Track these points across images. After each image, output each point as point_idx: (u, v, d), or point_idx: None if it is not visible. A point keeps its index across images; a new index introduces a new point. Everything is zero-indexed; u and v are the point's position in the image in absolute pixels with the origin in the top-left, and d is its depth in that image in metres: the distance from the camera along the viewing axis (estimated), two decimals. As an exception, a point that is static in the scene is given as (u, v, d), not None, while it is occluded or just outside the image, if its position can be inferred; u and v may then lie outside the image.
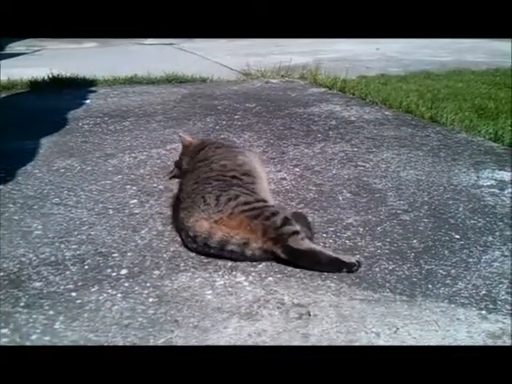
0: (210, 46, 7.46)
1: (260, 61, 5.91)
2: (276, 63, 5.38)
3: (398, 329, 1.44)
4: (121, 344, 1.37)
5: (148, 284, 1.65)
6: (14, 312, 1.51)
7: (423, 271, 1.74)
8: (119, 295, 1.59)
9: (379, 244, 1.93)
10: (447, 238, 1.97)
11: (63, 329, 1.44)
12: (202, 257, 1.81)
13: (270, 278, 1.69)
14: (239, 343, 1.38)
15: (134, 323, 1.46)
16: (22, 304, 1.55)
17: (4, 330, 1.43)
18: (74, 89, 4.50)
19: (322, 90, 4.63)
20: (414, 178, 2.56)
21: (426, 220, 2.12)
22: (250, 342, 1.39)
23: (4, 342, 1.39)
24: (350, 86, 4.56)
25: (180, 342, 1.38)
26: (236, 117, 3.70)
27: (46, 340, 1.39)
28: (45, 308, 1.53)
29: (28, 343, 1.38)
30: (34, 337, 1.41)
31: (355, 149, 3.01)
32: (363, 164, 2.76)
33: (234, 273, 1.73)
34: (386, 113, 3.85)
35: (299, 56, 6.48)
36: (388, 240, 1.96)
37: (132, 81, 4.87)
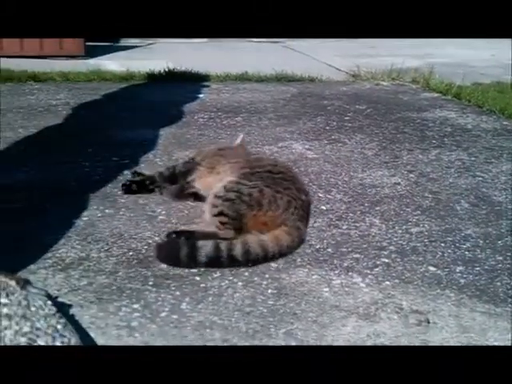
0: (318, 46, 7.46)
1: (369, 62, 5.83)
2: (385, 65, 5.30)
3: (522, 345, 1.40)
4: (243, 330, 1.43)
5: (267, 276, 1.71)
6: (143, 290, 1.62)
7: (549, 290, 1.67)
8: (240, 283, 1.66)
9: (500, 258, 1.87)
10: None
11: (189, 310, 1.52)
12: (319, 254, 1.85)
13: (388, 282, 1.69)
14: (358, 343, 1.40)
15: (255, 311, 1.52)
16: (150, 283, 1.65)
17: (135, 306, 1.54)
18: (188, 82, 4.67)
19: (435, 95, 4.51)
20: (537, 193, 2.44)
21: (551, 237, 2.02)
22: (368, 343, 1.40)
23: (136, 316, 1.49)
24: (465, 92, 4.40)
25: (300, 335, 1.43)
26: (346, 118, 3.69)
27: (174, 318, 1.48)
28: (171, 288, 1.62)
29: (158, 320, 1.47)
30: (163, 314, 1.50)
31: (473, 158, 2.91)
32: (482, 175, 2.67)
33: (350, 273, 1.75)
34: (505, 123, 3.69)
35: (410, 59, 6.32)
36: (509, 254, 1.89)
37: (243, 78, 4.97)
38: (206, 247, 1.72)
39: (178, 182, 2.27)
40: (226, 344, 1.39)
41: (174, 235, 1.85)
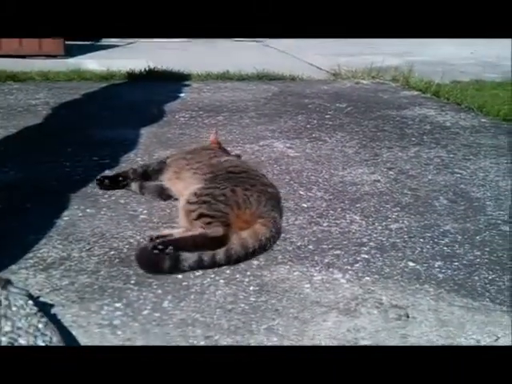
0: (299, 45, 7.48)
1: (350, 61, 5.87)
2: (366, 64, 5.34)
3: (498, 338, 1.43)
4: (225, 327, 1.44)
5: (248, 273, 1.72)
6: (125, 288, 1.62)
7: (525, 284, 1.71)
8: (222, 281, 1.67)
9: (478, 253, 1.90)
10: (551, 252, 1.91)
11: (172, 307, 1.53)
12: (300, 251, 1.86)
13: (368, 278, 1.72)
14: (338, 337, 1.42)
15: (237, 308, 1.53)
16: (132, 282, 1.66)
17: (118, 304, 1.54)
18: (169, 82, 4.66)
19: (415, 93, 4.56)
20: (514, 189, 2.49)
21: (527, 232, 2.06)
22: (349, 337, 1.42)
23: (118, 314, 1.50)
24: (444, 90, 4.46)
25: (281, 331, 1.44)
26: (327, 116, 3.71)
27: (156, 316, 1.49)
28: (153, 287, 1.63)
29: (140, 318, 1.48)
30: (145, 312, 1.51)
31: (451, 155, 2.95)
32: (460, 171, 2.71)
33: (330, 269, 1.77)
34: (483, 120, 3.74)
35: (390, 57, 6.38)
36: (487, 250, 1.93)
37: (224, 77, 4.97)
38: (189, 260, 1.69)
39: (150, 180, 2.29)
40: (207, 341, 1.40)
41: (160, 246, 1.70)
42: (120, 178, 2.31)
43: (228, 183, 1.95)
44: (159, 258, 1.70)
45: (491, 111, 3.89)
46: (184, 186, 2.10)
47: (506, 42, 7.43)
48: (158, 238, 1.79)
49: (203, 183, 2.01)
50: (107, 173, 2.47)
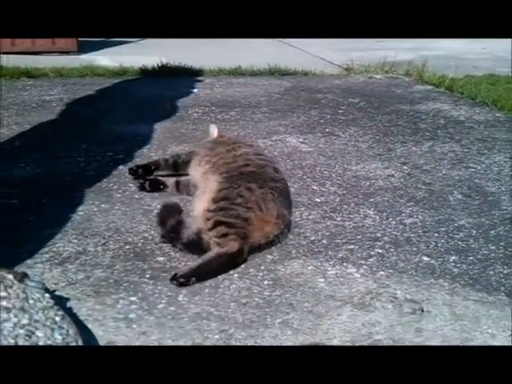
0: (311, 40, 7.46)
1: (362, 55, 5.84)
2: (379, 58, 5.31)
3: (515, 332, 1.42)
4: (240, 320, 1.44)
5: (262, 267, 1.73)
6: (141, 282, 1.63)
7: (541, 278, 1.69)
8: (236, 275, 1.68)
9: (493, 247, 1.89)
10: None
11: (186, 301, 1.54)
12: (314, 246, 1.86)
13: (382, 272, 1.72)
14: (353, 331, 1.42)
15: (252, 302, 1.54)
16: (147, 276, 1.67)
17: (133, 298, 1.55)
18: (181, 77, 4.67)
19: (429, 87, 4.53)
20: (529, 183, 2.47)
21: (543, 227, 2.04)
22: (363, 332, 1.42)
23: (133, 308, 1.51)
24: (458, 84, 4.42)
25: (295, 324, 1.44)
26: (340, 111, 3.70)
27: (172, 310, 1.50)
28: (169, 281, 1.63)
29: (155, 311, 1.49)
30: (160, 306, 1.52)
31: (465, 150, 2.93)
32: (475, 166, 2.69)
33: (344, 264, 1.76)
34: (497, 114, 3.71)
35: (403, 52, 6.33)
36: (502, 244, 1.92)
37: (236, 72, 4.98)
38: None
39: (180, 170, 2.30)
40: (222, 335, 1.41)
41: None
42: (152, 167, 2.33)
43: (241, 181, 1.91)
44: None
45: (506, 105, 3.85)
46: (203, 179, 2.09)
47: (520, 35, 7.37)
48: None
49: (220, 178, 1.98)
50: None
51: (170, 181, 2.29)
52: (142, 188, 2.28)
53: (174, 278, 1.62)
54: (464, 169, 2.65)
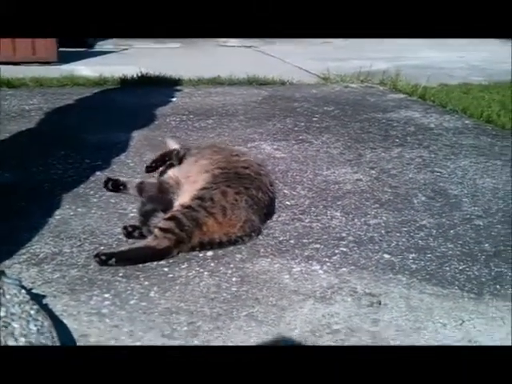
0: (290, 50, 7.60)
1: (340, 65, 5.98)
2: (356, 68, 5.45)
3: (463, 321, 1.53)
4: (208, 314, 1.53)
5: (231, 265, 1.81)
6: (114, 280, 1.71)
7: (493, 273, 1.81)
8: (206, 273, 1.76)
9: (451, 246, 2.00)
10: (520, 244, 2.01)
11: (157, 297, 1.62)
12: (281, 245, 1.96)
13: (344, 269, 1.81)
14: (314, 322, 1.51)
15: (220, 297, 1.62)
16: (120, 274, 1.74)
17: (106, 295, 1.63)
18: (160, 87, 4.75)
19: (402, 96, 4.66)
20: (490, 186, 2.59)
21: (499, 226, 2.16)
22: (323, 322, 1.51)
23: (106, 304, 1.58)
24: (430, 93, 4.57)
25: (260, 317, 1.53)
26: (314, 119, 3.81)
27: (143, 305, 1.58)
28: (140, 279, 1.72)
29: (127, 307, 1.57)
30: (132, 302, 1.60)
31: (433, 155, 3.05)
32: (440, 170, 2.81)
33: (309, 262, 1.86)
34: (466, 122, 3.85)
35: (380, 62, 6.49)
36: (460, 242, 2.03)
37: (215, 81, 5.06)
38: None
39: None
40: (190, 327, 1.49)
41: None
42: (166, 159, 2.37)
43: (222, 183, 2.00)
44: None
45: (475, 113, 4.00)
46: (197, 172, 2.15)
47: (493, 46, 7.60)
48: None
49: (209, 177, 2.06)
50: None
51: (132, 183, 2.36)
52: (149, 168, 2.34)
53: (96, 255, 1.78)
54: (430, 173, 2.77)
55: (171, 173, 2.23)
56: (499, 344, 1.45)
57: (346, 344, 1.43)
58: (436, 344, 1.44)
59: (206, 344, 1.43)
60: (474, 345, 1.45)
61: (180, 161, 2.34)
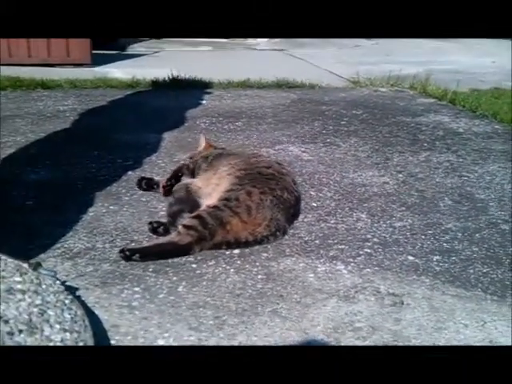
0: (320, 53, 7.63)
1: (370, 69, 5.98)
2: (386, 72, 5.45)
3: (485, 323, 1.54)
4: (233, 309, 1.58)
5: (257, 263, 1.86)
6: (144, 275, 1.77)
7: (517, 276, 1.81)
8: (232, 270, 1.81)
9: (476, 249, 2.01)
10: (547, 249, 2.01)
11: (185, 292, 1.68)
12: (307, 245, 2.00)
13: (368, 269, 1.84)
14: (336, 320, 1.54)
15: (245, 293, 1.67)
16: (150, 269, 1.81)
17: (136, 288, 1.69)
18: (191, 89, 4.83)
19: (432, 100, 4.65)
20: (518, 191, 2.58)
21: (526, 231, 2.16)
22: (345, 320, 1.55)
23: (136, 297, 1.65)
24: (460, 98, 4.54)
25: (284, 313, 1.57)
26: (343, 122, 3.84)
27: (171, 299, 1.63)
28: (169, 274, 1.78)
29: (156, 300, 1.63)
30: (161, 296, 1.66)
31: (461, 160, 3.05)
32: (467, 175, 2.81)
33: (334, 262, 1.89)
34: (496, 126, 3.83)
35: (410, 66, 6.46)
36: (485, 246, 2.03)
37: (245, 84, 5.13)
38: None
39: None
40: (216, 321, 1.54)
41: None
42: (179, 174, 2.40)
43: (248, 184, 2.04)
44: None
45: (505, 118, 3.97)
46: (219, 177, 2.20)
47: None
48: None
49: (234, 179, 2.11)
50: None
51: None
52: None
53: (121, 251, 1.85)
54: (457, 177, 2.77)
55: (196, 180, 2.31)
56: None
57: (368, 342, 1.46)
58: (456, 344, 1.46)
59: (230, 338, 1.47)
60: (474, 345, 1.46)
61: (192, 173, 2.40)
